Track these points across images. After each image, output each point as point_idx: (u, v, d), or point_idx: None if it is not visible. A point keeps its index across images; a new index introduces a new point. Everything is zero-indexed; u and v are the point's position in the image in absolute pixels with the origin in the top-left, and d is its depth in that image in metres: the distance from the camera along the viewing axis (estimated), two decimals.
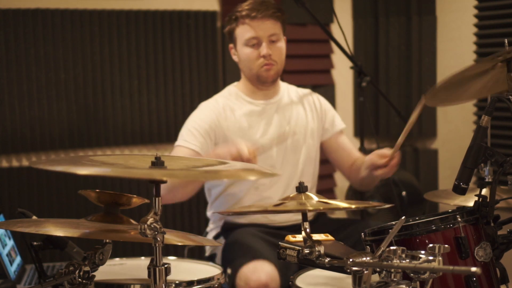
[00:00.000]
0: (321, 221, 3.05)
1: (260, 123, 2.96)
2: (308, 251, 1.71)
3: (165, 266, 1.72)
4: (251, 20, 2.88)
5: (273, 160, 2.95)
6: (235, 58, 3.00)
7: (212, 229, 3.03)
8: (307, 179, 3.01)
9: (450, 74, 2.00)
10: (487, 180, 2.13)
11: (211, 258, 2.96)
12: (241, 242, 2.78)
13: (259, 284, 2.55)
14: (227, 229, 2.93)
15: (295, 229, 2.83)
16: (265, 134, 2.95)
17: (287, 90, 3.09)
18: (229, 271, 2.66)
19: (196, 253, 3.63)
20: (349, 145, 3.15)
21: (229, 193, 2.95)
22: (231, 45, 2.98)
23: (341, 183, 4.08)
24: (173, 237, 1.93)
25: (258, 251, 2.66)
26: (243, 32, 2.90)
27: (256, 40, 2.89)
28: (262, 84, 2.97)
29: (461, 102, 2.73)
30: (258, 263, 2.59)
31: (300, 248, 1.73)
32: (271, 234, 2.84)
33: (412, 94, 4.26)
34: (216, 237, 2.96)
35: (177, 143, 2.91)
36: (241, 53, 2.93)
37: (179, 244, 1.95)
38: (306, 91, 3.17)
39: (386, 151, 2.89)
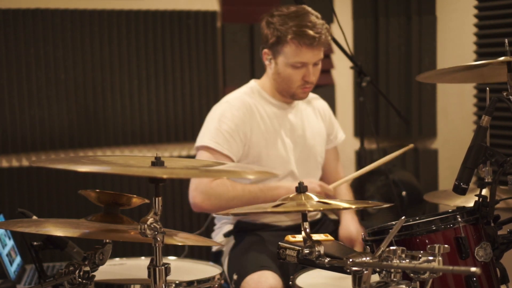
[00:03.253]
0: (322, 221, 3.05)
1: (281, 125, 2.94)
2: (308, 251, 1.71)
3: (165, 266, 1.72)
4: (305, 47, 2.80)
5: (292, 166, 2.95)
6: (267, 64, 2.92)
7: (222, 226, 3.01)
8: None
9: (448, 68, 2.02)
10: (487, 180, 2.13)
11: (217, 254, 2.95)
12: (250, 249, 2.77)
13: None
14: (240, 230, 2.92)
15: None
16: (286, 138, 2.94)
17: None
18: (235, 277, 2.66)
19: (196, 253, 3.63)
20: (336, 161, 3.22)
21: None
22: (267, 51, 2.88)
23: None
24: (175, 237, 1.93)
25: (264, 260, 2.66)
26: (292, 54, 2.81)
27: (301, 64, 2.83)
28: (293, 100, 2.96)
29: (456, 82, 2.76)
30: (264, 273, 2.58)
31: (300, 248, 1.73)
32: (283, 235, 2.82)
33: (412, 94, 4.26)
34: (226, 235, 2.95)
35: (206, 143, 2.83)
36: (283, 70, 2.86)
37: (179, 244, 1.95)
38: (316, 96, 3.18)
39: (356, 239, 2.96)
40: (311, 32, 2.78)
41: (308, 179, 2.83)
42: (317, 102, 3.15)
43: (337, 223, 3.07)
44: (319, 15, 2.87)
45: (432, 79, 2.49)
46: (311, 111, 3.08)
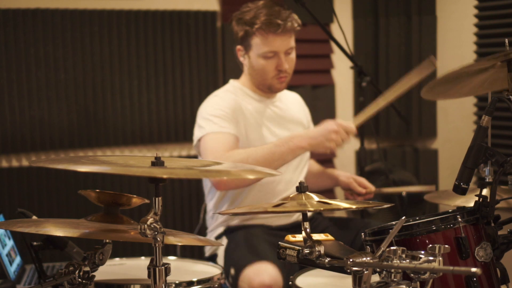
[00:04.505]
0: (317, 220, 3.05)
1: (267, 120, 2.97)
2: (308, 251, 1.71)
3: (165, 266, 1.72)
4: (270, 35, 2.85)
5: None
6: (242, 60, 2.97)
7: (213, 229, 3.02)
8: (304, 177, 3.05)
9: (449, 71, 2.01)
10: (487, 180, 2.12)
11: (211, 259, 2.95)
12: (245, 242, 2.78)
13: (262, 286, 2.54)
14: (230, 230, 2.93)
15: (297, 229, 2.84)
16: (273, 132, 2.96)
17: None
18: (232, 271, 2.66)
19: (196, 253, 3.63)
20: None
21: (234, 192, 2.94)
22: (239, 47, 2.95)
23: None
24: (176, 238, 1.93)
25: (261, 252, 2.66)
26: (261, 44, 2.87)
27: (273, 54, 2.88)
28: (271, 92, 2.99)
29: (459, 97, 2.77)
30: (262, 264, 2.58)
31: (300, 248, 1.73)
32: (274, 235, 2.83)
33: (412, 94, 4.25)
34: (218, 238, 2.96)
35: (209, 130, 2.82)
36: (256, 63, 2.91)
37: (179, 244, 1.95)
38: (293, 93, 3.23)
39: (366, 182, 3.06)
40: (275, 20, 2.84)
41: (324, 122, 2.81)
42: (295, 96, 3.21)
43: (331, 220, 3.08)
44: (285, 6, 2.93)
45: (435, 95, 2.48)
46: (292, 104, 3.13)
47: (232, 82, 3.05)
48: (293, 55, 2.94)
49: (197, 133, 2.92)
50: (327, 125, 2.74)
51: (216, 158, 2.73)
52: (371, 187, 3.08)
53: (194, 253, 3.64)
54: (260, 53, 2.88)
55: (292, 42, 2.92)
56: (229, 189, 2.89)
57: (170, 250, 3.28)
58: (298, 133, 2.86)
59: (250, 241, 2.78)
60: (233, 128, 2.85)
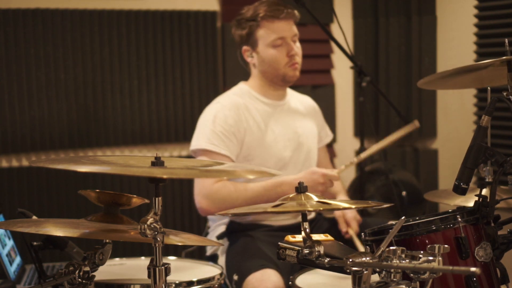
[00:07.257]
0: (319, 222, 3.05)
1: (273, 123, 2.96)
2: (307, 251, 1.71)
3: (165, 266, 1.72)
4: (276, 21, 2.88)
5: (286, 163, 2.96)
6: (250, 60, 2.97)
7: (215, 228, 3.02)
8: None
9: (449, 70, 2.02)
10: (487, 180, 2.12)
11: (212, 258, 2.95)
12: (247, 248, 2.77)
13: None
14: (232, 231, 2.92)
15: (299, 229, 2.84)
16: (278, 136, 2.95)
17: (291, 94, 3.11)
18: (235, 277, 2.66)
19: (196, 253, 3.63)
20: (327, 159, 3.28)
21: None
22: (246, 48, 2.95)
23: None
24: (175, 237, 1.93)
25: (265, 259, 2.66)
26: (267, 33, 2.89)
27: (281, 41, 2.89)
28: (286, 83, 2.99)
29: (458, 88, 2.79)
30: (266, 272, 2.58)
31: (299, 248, 1.73)
32: (276, 236, 2.83)
33: (412, 94, 4.25)
34: (219, 237, 2.95)
35: (203, 146, 2.86)
36: (266, 54, 2.91)
37: (179, 244, 1.95)
38: (306, 96, 3.21)
39: (352, 221, 2.99)
40: (277, 6, 2.89)
41: (311, 169, 2.83)
42: (308, 100, 3.20)
43: (331, 221, 3.08)
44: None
45: (432, 85, 2.50)
46: (303, 109, 3.11)
47: (240, 85, 3.04)
48: (298, 44, 2.96)
49: (193, 141, 2.94)
50: (314, 176, 2.80)
51: (204, 187, 2.82)
52: (353, 227, 3.02)
53: (194, 252, 3.63)
54: (268, 42, 2.89)
55: (296, 29, 2.94)
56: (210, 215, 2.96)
57: (174, 252, 3.28)
58: (286, 179, 2.82)
59: (252, 247, 2.77)
60: (229, 148, 2.86)
